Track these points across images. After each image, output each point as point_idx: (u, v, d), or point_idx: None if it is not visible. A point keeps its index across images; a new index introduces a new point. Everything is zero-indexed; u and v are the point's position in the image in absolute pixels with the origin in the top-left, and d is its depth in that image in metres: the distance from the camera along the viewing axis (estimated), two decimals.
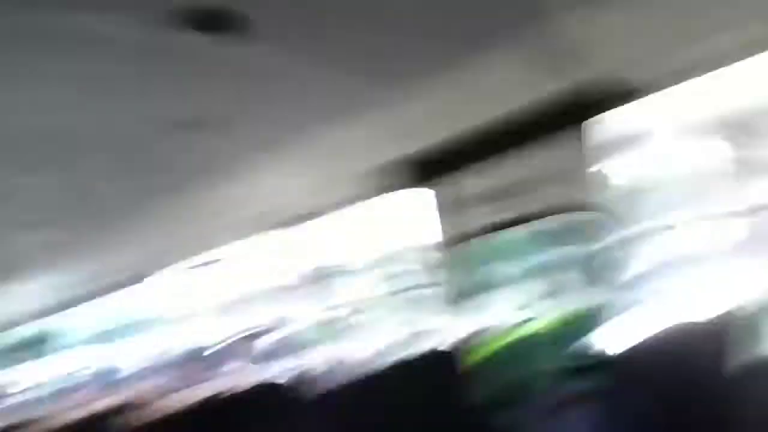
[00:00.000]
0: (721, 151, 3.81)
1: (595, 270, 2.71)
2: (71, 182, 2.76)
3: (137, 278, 4.33)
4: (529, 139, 2.69)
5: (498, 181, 2.87)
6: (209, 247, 4.06)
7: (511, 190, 2.84)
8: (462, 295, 2.95)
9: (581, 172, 2.68)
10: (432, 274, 3.09)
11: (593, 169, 2.67)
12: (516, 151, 2.75)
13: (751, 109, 3.75)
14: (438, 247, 3.05)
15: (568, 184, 2.71)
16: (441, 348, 1.91)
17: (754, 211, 2.93)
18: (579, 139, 2.62)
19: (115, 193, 3.00)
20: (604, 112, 2.57)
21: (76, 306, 4.95)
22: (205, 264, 4.23)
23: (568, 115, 2.58)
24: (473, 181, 2.94)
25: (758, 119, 3.77)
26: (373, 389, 1.72)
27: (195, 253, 4.15)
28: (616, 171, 2.73)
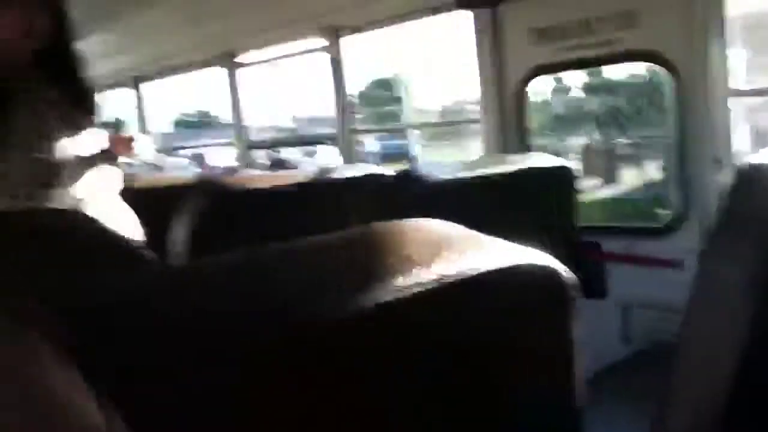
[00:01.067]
0: None
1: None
2: None
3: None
4: None
5: (570, 14, 2.60)
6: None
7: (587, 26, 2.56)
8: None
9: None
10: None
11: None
12: None
13: None
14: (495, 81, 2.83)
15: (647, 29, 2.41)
16: (562, 164, 1.73)
17: None
18: None
19: None
20: None
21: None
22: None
23: None
24: (540, 10, 2.68)
25: None
26: (485, 191, 1.58)
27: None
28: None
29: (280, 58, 3.94)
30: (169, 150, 7.00)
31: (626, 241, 2.44)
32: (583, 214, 1.99)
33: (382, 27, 3.38)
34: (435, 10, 3.04)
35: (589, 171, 9.66)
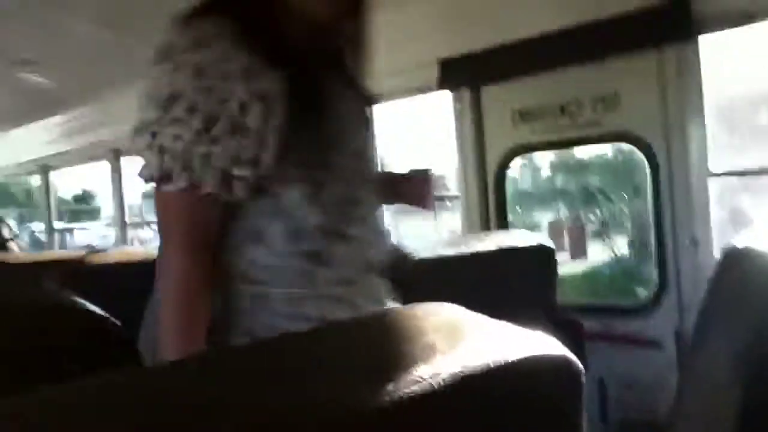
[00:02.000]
0: None
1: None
2: None
3: None
4: (593, 54, 2.49)
5: (550, 97, 2.68)
6: None
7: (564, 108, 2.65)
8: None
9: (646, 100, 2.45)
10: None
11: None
12: (576, 65, 2.56)
13: None
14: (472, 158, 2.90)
15: (625, 111, 2.50)
16: (543, 242, 1.76)
17: None
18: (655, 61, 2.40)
19: None
20: (698, 34, 2.31)
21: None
22: None
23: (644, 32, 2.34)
24: (521, 92, 2.76)
25: None
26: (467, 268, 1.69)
27: None
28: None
29: None
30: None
31: (606, 319, 2.44)
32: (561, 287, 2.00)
33: None
34: (419, 90, 3.11)
35: (559, 246, 9.76)
